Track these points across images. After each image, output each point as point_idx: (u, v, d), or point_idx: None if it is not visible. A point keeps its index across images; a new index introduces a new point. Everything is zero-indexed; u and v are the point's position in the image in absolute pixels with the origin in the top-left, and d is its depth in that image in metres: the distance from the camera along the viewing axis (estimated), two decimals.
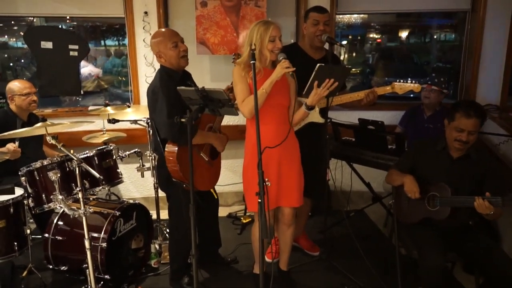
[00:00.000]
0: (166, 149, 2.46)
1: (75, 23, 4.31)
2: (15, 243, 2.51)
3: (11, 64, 4.59)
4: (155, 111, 2.46)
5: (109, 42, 5.00)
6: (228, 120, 3.84)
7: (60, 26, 4.12)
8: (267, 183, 1.94)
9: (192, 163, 2.00)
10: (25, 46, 3.82)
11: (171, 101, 2.36)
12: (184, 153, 2.42)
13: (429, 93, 3.36)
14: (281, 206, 2.54)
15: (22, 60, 4.71)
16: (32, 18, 4.12)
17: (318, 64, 2.23)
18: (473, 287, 2.54)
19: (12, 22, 4.34)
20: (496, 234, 3.00)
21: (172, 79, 2.47)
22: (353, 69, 4.82)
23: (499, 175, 2.36)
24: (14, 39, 4.71)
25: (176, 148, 2.43)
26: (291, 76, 2.27)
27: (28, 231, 2.59)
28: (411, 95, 4.24)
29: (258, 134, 1.92)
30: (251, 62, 2.02)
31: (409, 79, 2.67)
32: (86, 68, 4.49)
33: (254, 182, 2.38)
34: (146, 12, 3.63)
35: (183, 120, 1.95)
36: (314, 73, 2.24)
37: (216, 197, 2.89)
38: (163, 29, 2.67)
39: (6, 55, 4.60)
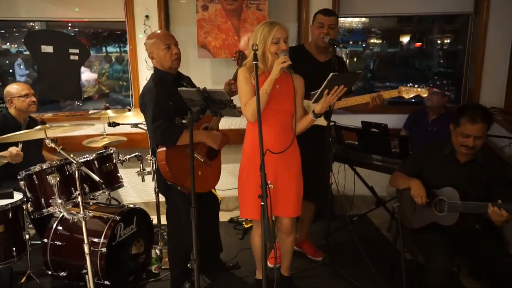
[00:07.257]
0: (157, 151, 2.45)
1: (76, 29, 4.31)
2: (14, 249, 2.48)
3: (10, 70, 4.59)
4: (145, 114, 2.47)
5: (110, 48, 5.01)
6: (230, 123, 3.81)
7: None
8: (269, 185, 1.87)
9: (192, 164, 1.96)
10: (28, 52, 3.81)
11: (158, 104, 2.35)
12: (173, 154, 2.40)
13: (431, 95, 3.31)
14: (278, 216, 2.47)
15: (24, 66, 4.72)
16: (33, 24, 4.11)
17: (331, 73, 2.16)
18: None
19: (14, 29, 4.34)
20: (503, 238, 2.95)
21: (164, 82, 2.46)
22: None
23: (508, 180, 2.29)
24: (16, 46, 4.72)
25: (164, 149, 2.41)
26: (288, 70, 2.18)
27: (27, 236, 2.56)
28: (413, 100, 4.21)
29: (260, 136, 1.86)
30: (253, 62, 1.97)
31: (416, 84, 2.64)
32: (86, 74, 4.49)
33: (247, 186, 2.34)
34: (147, 16, 3.62)
35: (184, 121, 1.92)
36: (326, 81, 2.17)
37: (219, 199, 2.83)
38: (158, 31, 2.67)
39: (7, 61, 4.60)
